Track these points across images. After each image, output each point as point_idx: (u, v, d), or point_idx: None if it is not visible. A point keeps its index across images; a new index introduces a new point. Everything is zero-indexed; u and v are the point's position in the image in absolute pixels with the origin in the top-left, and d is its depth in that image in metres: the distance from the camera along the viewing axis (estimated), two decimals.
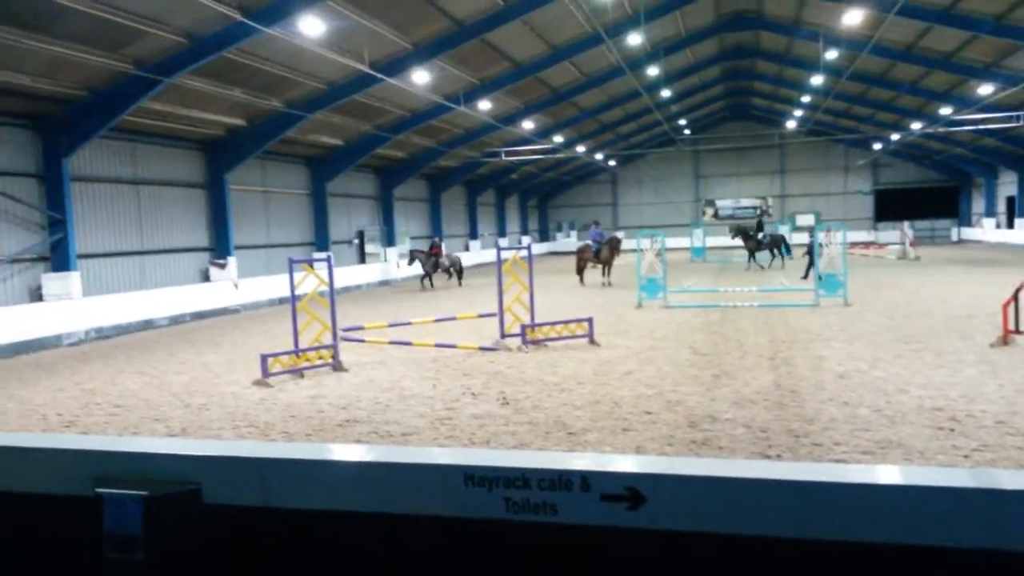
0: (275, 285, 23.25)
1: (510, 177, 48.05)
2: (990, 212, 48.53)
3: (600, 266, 26.46)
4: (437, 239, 30.86)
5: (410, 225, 38.22)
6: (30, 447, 2.12)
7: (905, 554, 1.48)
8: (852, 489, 1.54)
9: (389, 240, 34.68)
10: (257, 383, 10.89)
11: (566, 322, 13.63)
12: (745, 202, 57.75)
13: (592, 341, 13.29)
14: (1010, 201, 45.69)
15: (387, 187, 35.08)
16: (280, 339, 15.10)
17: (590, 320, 13.59)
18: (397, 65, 22.31)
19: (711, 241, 44.11)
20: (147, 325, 18.86)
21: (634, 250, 20.15)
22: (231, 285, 22.59)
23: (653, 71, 31.45)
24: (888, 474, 1.66)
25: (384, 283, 32.09)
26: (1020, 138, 38.19)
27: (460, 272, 28.47)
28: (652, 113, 41.86)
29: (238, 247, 24.32)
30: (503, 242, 48.71)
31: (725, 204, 58.08)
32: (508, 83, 28.04)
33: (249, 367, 12.14)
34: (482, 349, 13.04)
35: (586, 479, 1.65)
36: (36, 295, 17.27)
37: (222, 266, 23.25)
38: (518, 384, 10.26)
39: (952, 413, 7.97)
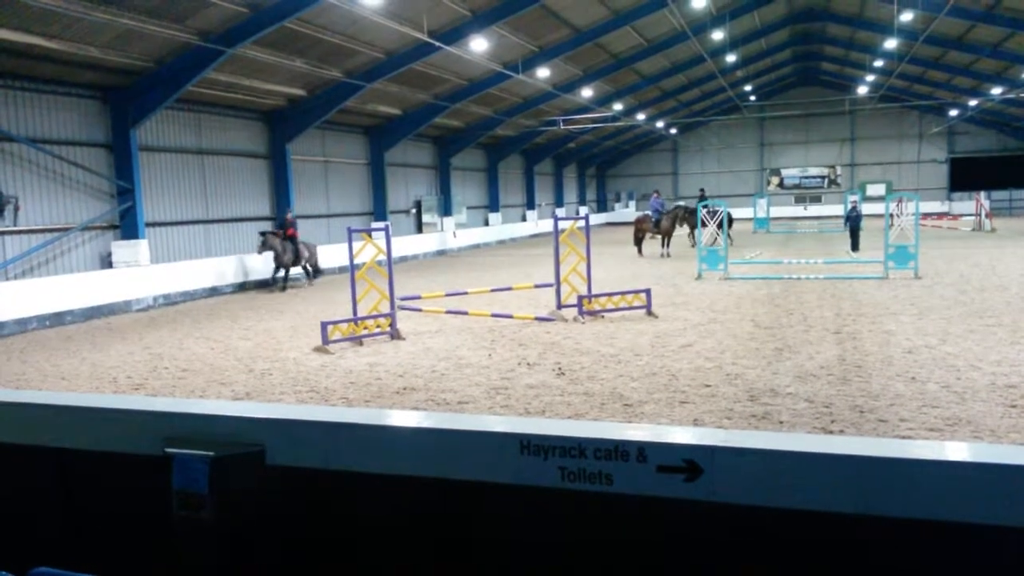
0: (335, 254, 23.61)
1: (568, 146, 47.60)
2: None
3: (660, 237, 26.10)
4: (291, 215, 20.68)
5: (467, 194, 38.28)
6: (103, 407, 2.19)
7: (974, 532, 1.42)
8: (919, 465, 1.47)
9: (446, 209, 34.82)
10: (318, 350, 11.11)
11: (623, 293, 13.50)
12: (812, 171, 56.07)
13: (650, 313, 13.14)
14: None
15: (444, 156, 35.15)
16: (339, 307, 15.36)
17: (648, 291, 13.43)
18: (455, 33, 22.17)
19: (775, 211, 43.05)
20: (212, 292, 19.40)
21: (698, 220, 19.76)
22: None
23: (718, 35, 30.58)
24: (957, 451, 1.58)
25: (441, 253, 32.31)
26: None
27: (316, 266, 21.18)
28: (716, 79, 40.78)
29: (299, 216, 24.76)
30: (560, 212, 48.44)
31: (791, 173, 56.50)
32: (567, 50, 27.62)
33: (310, 334, 12.39)
34: (538, 319, 13.03)
35: (642, 450, 1.62)
36: (107, 262, 17.90)
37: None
38: (574, 355, 10.23)
39: None
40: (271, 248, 19.19)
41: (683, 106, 48.27)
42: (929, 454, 1.60)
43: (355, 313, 11.80)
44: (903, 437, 6.42)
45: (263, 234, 19.47)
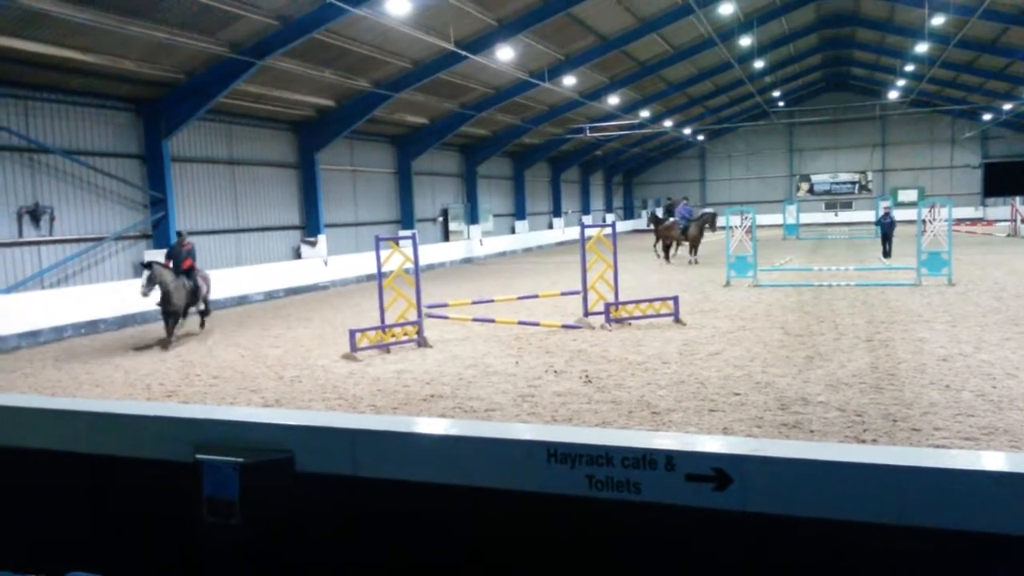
0: (363, 262, 23.79)
1: (594, 153, 47.55)
2: None
3: (687, 244, 25.94)
4: (186, 240, 14.23)
5: (493, 202, 38.38)
6: (136, 414, 2.23)
7: (1011, 544, 1.39)
8: (955, 475, 1.45)
9: (473, 218, 34.94)
10: (346, 357, 11.18)
11: (650, 300, 13.43)
12: (843, 176, 55.41)
13: (677, 320, 13.06)
14: None
15: (471, 165, 35.30)
16: (367, 315, 15.46)
17: (675, 299, 13.35)
18: (482, 42, 22.30)
19: (805, 218, 42.59)
20: (242, 300, 19.63)
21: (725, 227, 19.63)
22: (321, 262, 23.25)
23: (745, 41, 30.40)
24: (994, 460, 1.55)
25: (467, 260, 32.40)
26: None
27: (207, 305, 14.89)
28: (744, 85, 40.53)
29: (328, 225, 24.98)
30: (587, 219, 48.36)
31: (821, 179, 55.89)
32: (594, 57, 27.63)
33: (338, 342, 12.49)
34: (565, 327, 13.00)
35: (671, 458, 1.61)
36: (139, 271, 18.21)
37: (313, 244, 23.93)
38: (601, 362, 10.19)
39: None
40: (158, 284, 12.73)
41: (710, 112, 48.01)
42: (965, 463, 1.57)
43: (383, 321, 11.87)
44: (938, 446, 6.30)
45: (148, 266, 12.81)
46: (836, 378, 8.72)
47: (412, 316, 12.12)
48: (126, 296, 16.46)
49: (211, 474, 1.98)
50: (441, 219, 33.55)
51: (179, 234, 14.44)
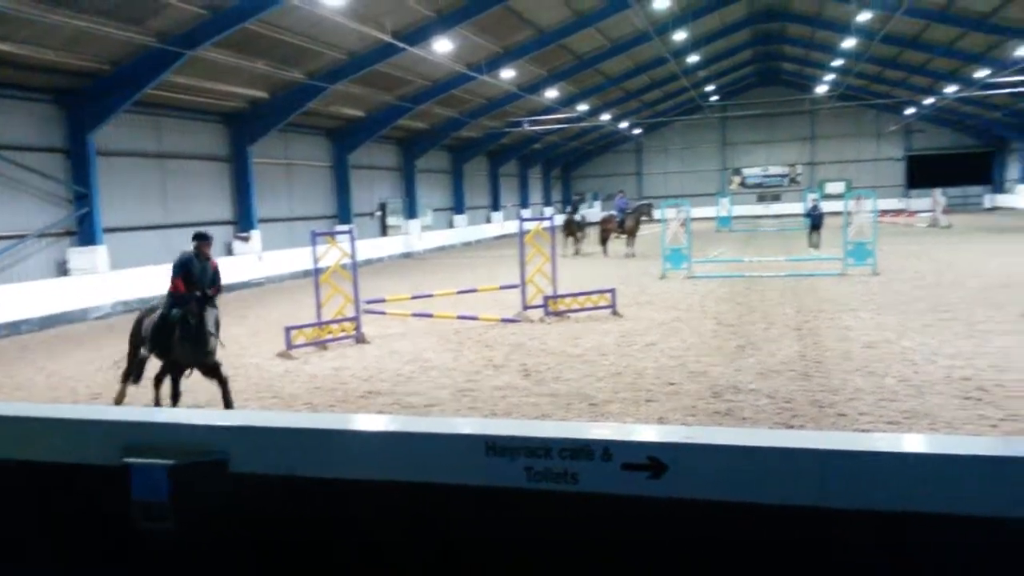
0: (298, 258, 23.39)
1: (533, 147, 47.73)
2: None
3: (624, 236, 26.29)
4: (209, 243, 8.38)
5: (432, 197, 38.18)
6: (61, 418, 2.16)
7: (930, 522, 1.46)
8: (877, 457, 1.51)
9: (411, 212, 34.70)
10: (281, 355, 10.99)
11: (588, 293, 13.58)
12: (773, 170, 56.92)
13: (615, 312, 13.23)
14: None
15: (409, 158, 35.03)
16: (303, 312, 15.21)
17: (612, 291, 13.52)
18: (419, 34, 22.11)
19: (738, 210, 43.62)
20: None
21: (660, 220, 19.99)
22: (255, 258, 22.77)
23: (680, 36, 30.90)
24: (913, 442, 1.63)
25: (406, 255, 32.18)
26: None
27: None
28: (678, 79, 41.23)
29: (262, 220, 24.44)
30: (525, 213, 48.56)
31: (753, 172, 57.31)
32: (532, 51, 27.71)
33: (273, 339, 12.25)
34: (504, 321, 13.04)
35: (608, 448, 1.64)
36: (63, 269, 17.51)
37: (246, 239, 23.40)
38: (540, 355, 10.26)
39: (981, 383, 7.83)
40: (183, 324, 8.95)
41: (646, 107, 48.69)
42: (888, 446, 1.64)
43: (319, 317, 11.70)
44: (863, 431, 6.55)
45: (187, 304, 8.65)
46: (766, 366, 8.97)
47: (350, 312, 11.99)
48: (50, 295, 15.85)
49: (140, 477, 1.93)
50: (379, 214, 33.21)
51: (202, 238, 8.30)
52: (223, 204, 23.38)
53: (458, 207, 40.61)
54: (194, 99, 21.08)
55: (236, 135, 23.55)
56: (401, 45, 21.47)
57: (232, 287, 20.93)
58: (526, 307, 13.29)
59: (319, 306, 11.80)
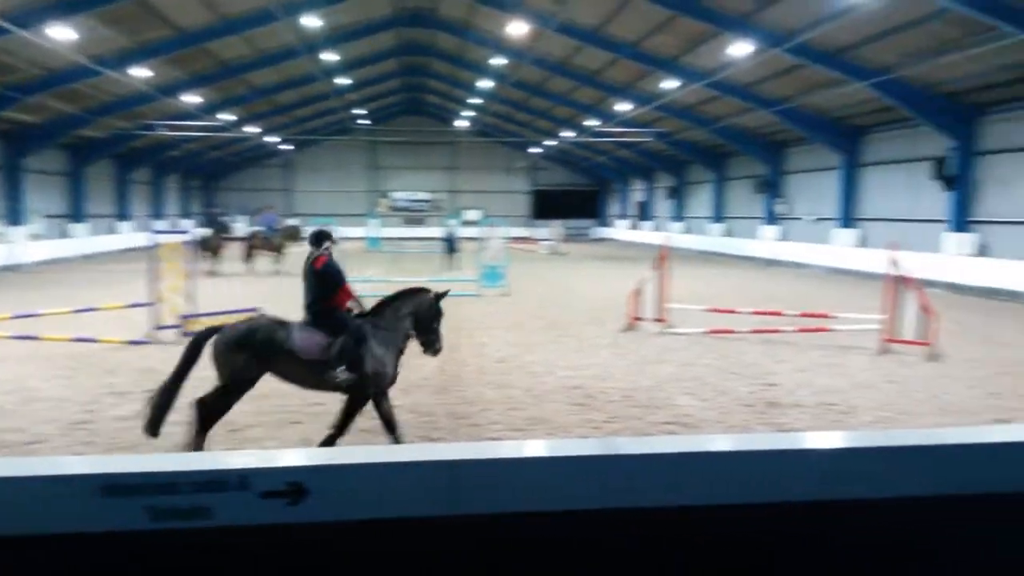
0: None
1: (170, 154, 44.07)
2: (623, 214, 56.37)
3: (273, 253, 25.50)
4: (332, 242, 7.14)
5: (45, 202, 33.18)
6: None
7: (550, 520, 1.66)
8: (502, 464, 1.67)
9: (15, 218, 29.75)
10: None
11: (231, 312, 12.88)
12: (419, 195, 59.69)
13: None
14: (640, 205, 53.43)
15: (15, 156, 30.02)
16: None
17: (256, 311, 12.99)
18: (32, 16, 19.20)
19: (386, 232, 44.88)
20: None
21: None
22: None
23: (331, 56, 30.99)
24: (534, 448, 1.86)
25: (11, 268, 27.46)
26: (649, 151, 44.69)
27: None
28: (329, 99, 41.30)
29: None
30: (160, 224, 44.53)
31: (400, 196, 59.51)
32: (170, 51, 25.69)
33: None
34: (131, 343, 11.80)
35: (244, 477, 1.58)
36: None
37: None
38: None
39: (588, 390, 9.04)
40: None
41: (296, 123, 47.95)
42: (512, 453, 1.81)
43: None
44: (493, 438, 7.14)
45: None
46: (409, 382, 9.33)
47: None
48: None
49: None
50: None
51: (326, 236, 7.00)
52: None
53: (77, 215, 35.80)
54: None
55: None
56: (6, 25, 18.43)
57: None
58: (159, 328, 12.18)
59: None
